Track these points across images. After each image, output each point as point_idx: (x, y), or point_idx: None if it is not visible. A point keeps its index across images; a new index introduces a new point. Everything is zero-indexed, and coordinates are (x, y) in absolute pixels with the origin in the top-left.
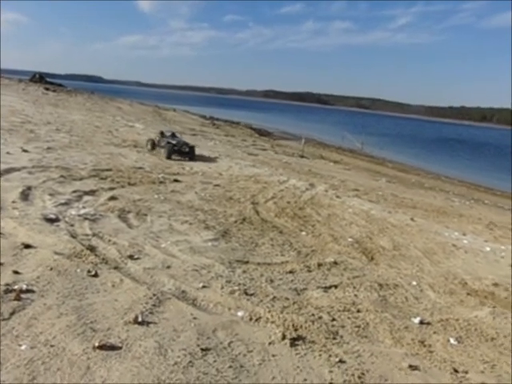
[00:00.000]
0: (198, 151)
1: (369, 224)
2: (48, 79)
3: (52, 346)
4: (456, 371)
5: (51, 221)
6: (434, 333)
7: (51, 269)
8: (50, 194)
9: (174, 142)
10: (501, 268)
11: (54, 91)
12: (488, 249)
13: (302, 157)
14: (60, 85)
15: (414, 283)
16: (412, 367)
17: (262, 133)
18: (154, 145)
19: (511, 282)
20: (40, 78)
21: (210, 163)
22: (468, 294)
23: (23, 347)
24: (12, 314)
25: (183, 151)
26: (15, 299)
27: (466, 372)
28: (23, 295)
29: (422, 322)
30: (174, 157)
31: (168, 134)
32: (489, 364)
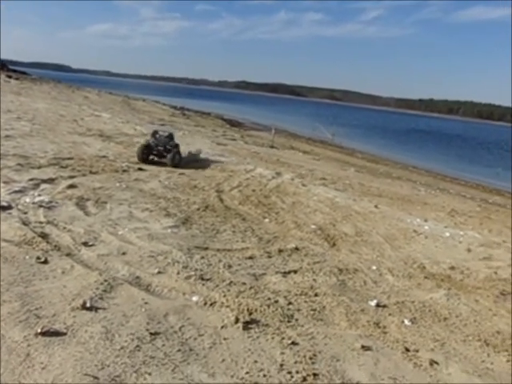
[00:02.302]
0: None
1: (333, 211)
2: (11, 67)
3: None
4: (407, 350)
5: (2, 208)
6: (390, 315)
7: None
8: (5, 182)
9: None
10: (458, 252)
11: (17, 79)
12: (447, 234)
13: (271, 147)
14: (24, 73)
15: (374, 268)
16: (364, 348)
17: (233, 123)
18: (148, 152)
19: (467, 266)
20: (2, 66)
21: None
22: (425, 277)
23: None
24: None
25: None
26: None
27: (417, 351)
28: None
29: (378, 305)
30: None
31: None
32: (439, 342)
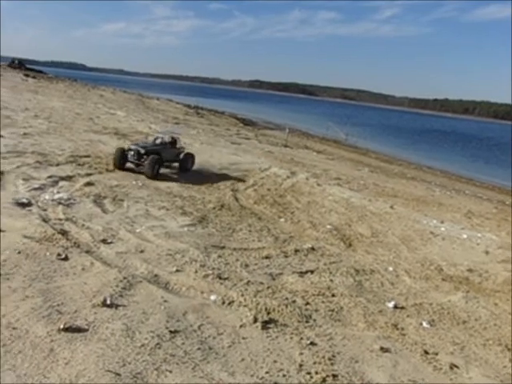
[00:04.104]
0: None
1: (348, 211)
2: (28, 66)
3: (14, 328)
4: (426, 353)
5: (23, 205)
6: (408, 316)
7: (19, 252)
8: (24, 179)
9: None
10: (476, 254)
11: (34, 78)
12: (465, 236)
13: (285, 146)
14: (40, 71)
15: (391, 269)
16: (383, 349)
17: (247, 122)
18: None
19: (485, 268)
20: (19, 64)
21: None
22: (443, 279)
23: None
24: None
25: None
26: None
27: (436, 353)
28: None
29: (396, 307)
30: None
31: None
32: (459, 346)
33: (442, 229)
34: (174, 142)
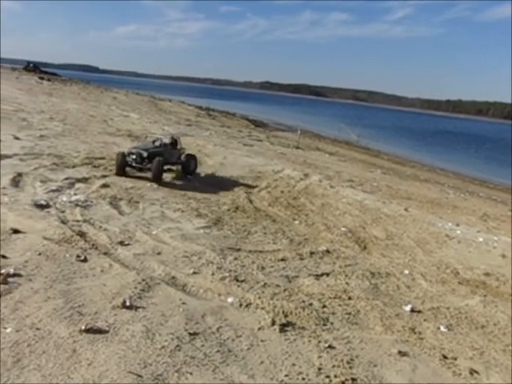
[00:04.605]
0: (191, 141)
1: (362, 214)
2: (42, 68)
3: (38, 329)
4: (445, 357)
5: (41, 207)
6: (425, 320)
7: (39, 254)
8: (42, 181)
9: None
10: (493, 258)
11: (49, 80)
12: (481, 239)
13: (297, 148)
14: (54, 74)
15: (406, 272)
16: (401, 353)
17: (258, 124)
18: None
19: (502, 272)
20: (34, 68)
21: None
22: (459, 283)
23: (8, 330)
24: None
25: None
26: (2, 283)
27: (455, 358)
28: (10, 279)
29: (413, 310)
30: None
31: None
32: (478, 351)
33: (458, 232)
34: (174, 142)
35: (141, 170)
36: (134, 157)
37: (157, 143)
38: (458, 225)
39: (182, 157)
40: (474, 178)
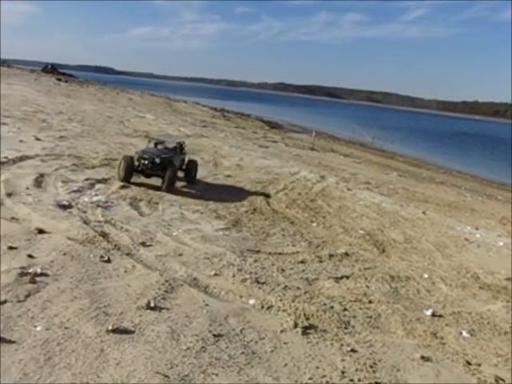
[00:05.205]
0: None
1: (380, 217)
2: (60, 70)
3: (66, 328)
4: (469, 363)
5: (64, 207)
6: (447, 325)
7: (64, 254)
8: (63, 182)
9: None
10: None
11: (66, 82)
12: (501, 243)
13: (312, 149)
14: (71, 75)
15: (426, 276)
16: (424, 358)
17: (273, 125)
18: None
19: None
20: (52, 69)
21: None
22: (480, 287)
23: (38, 328)
24: (27, 296)
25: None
26: (30, 282)
27: (479, 365)
28: (38, 278)
29: (434, 315)
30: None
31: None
32: (503, 357)
33: (477, 235)
34: (181, 147)
35: (149, 176)
36: (147, 162)
37: (159, 146)
38: (477, 228)
39: (185, 162)
40: (491, 180)
